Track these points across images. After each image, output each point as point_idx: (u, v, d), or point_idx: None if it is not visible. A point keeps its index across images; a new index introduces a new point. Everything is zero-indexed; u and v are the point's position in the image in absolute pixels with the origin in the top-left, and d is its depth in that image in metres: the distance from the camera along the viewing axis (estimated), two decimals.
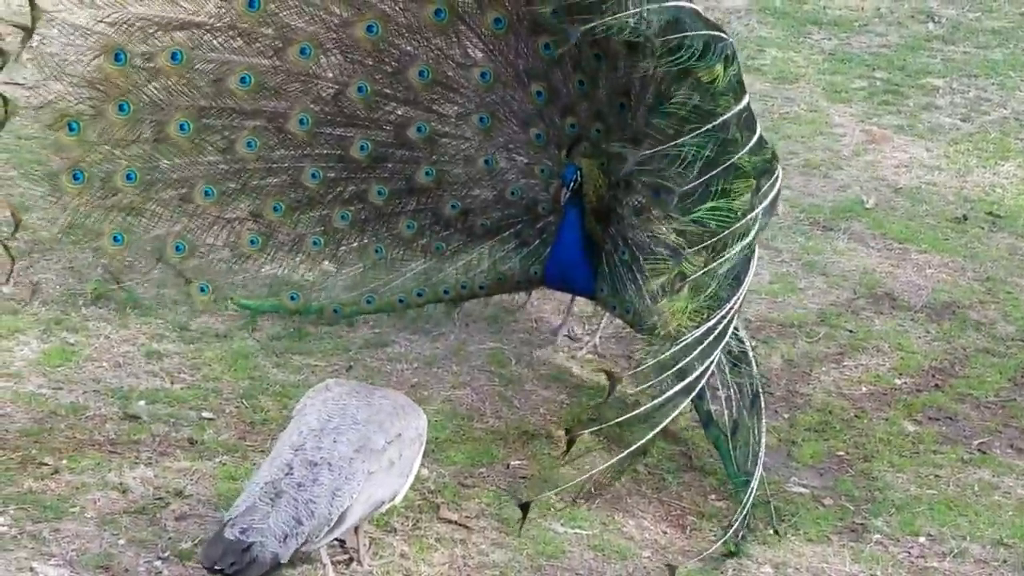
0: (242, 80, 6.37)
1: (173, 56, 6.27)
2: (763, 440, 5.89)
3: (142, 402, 6.25)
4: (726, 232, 5.64)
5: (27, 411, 6.12)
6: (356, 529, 5.24)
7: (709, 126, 5.66)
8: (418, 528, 5.62)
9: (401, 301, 6.82)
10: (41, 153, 6.55)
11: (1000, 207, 8.87)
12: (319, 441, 5.05)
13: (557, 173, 6.59)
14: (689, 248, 5.68)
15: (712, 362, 5.64)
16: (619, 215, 6.50)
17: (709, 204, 5.69)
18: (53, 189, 6.43)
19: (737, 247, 5.68)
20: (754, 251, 5.88)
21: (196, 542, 5.36)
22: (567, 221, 6.51)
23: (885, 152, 9.58)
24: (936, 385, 6.97)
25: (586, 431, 5.72)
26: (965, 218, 8.67)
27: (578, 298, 7.00)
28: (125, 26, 6.24)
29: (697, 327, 5.53)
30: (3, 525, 5.42)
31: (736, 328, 5.89)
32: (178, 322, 6.82)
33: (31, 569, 5.23)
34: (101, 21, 6.25)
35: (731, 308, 5.65)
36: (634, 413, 5.55)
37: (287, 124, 6.48)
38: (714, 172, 5.71)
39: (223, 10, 6.35)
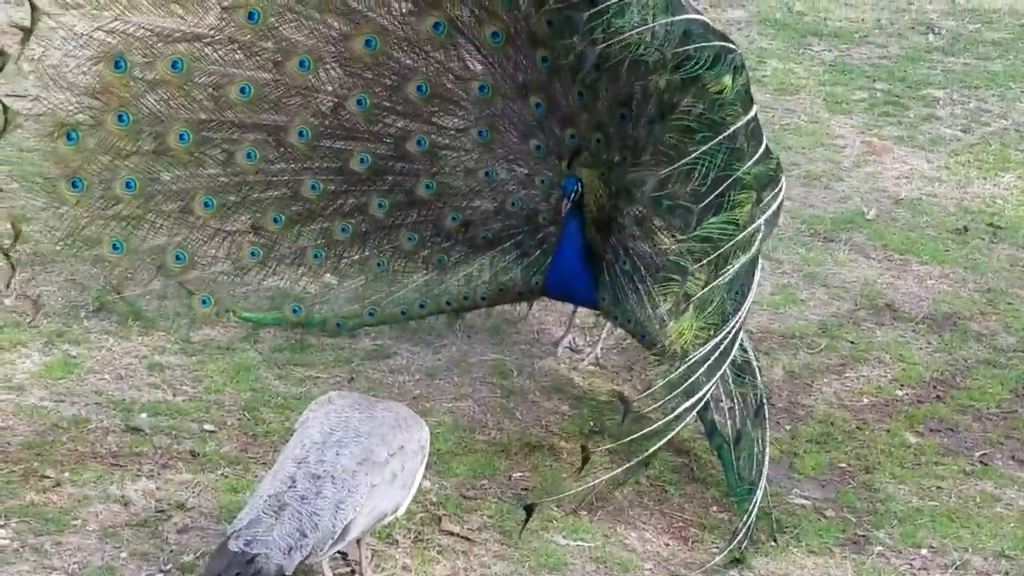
0: (242, 91, 6.37)
1: (174, 64, 6.26)
2: (767, 450, 5.89)
3: (144, 414, 6.25)
4: (730, 244, 5.63)
5: (29, 423, 6.11)
6: (358, 541, 5.23)
7: (720, 137, 5.63)
8: (420, 540, 5.62)
9: (403, 313, 6.83)
10: (42, 165, 6.53)
11: (1001, 218, 8.89)
12: (322, 454, 5.05)
13: (557, 184, 6.59)
14: (693, 263, 5.66)
15: (719, 376, 5.63)
16: (620, 225, 6.52)
17: (715, 217, 5.65)
18: (52, 197, 6.41)
19: (741, 259, 5.67)
20: (758, 263, 5.88)
21: (198, 555, 5.35)
22: (568, 231, 6.52)
23: (886, 163, 9.60)
24: (937, 396, 6.97)
25: (602, 448, 5.72)
26: (966, 229, 8.68)
27: (580, 309, 7.00)
28: (126, 36, 6.23)
29: (704, 344, 5.52)
30: (5, 538, 5.41)
31: (740, 339, 5.88)
32: (180, 335, 6.82)
33: None
34: (100, 28, 6.23)
35: (737, 322, 5.63)
36: (645, 431, 5.53)
37: (287, 137, 6.48)
38: (724, 185, 5.69)
39: (223, 23, 6.36)
